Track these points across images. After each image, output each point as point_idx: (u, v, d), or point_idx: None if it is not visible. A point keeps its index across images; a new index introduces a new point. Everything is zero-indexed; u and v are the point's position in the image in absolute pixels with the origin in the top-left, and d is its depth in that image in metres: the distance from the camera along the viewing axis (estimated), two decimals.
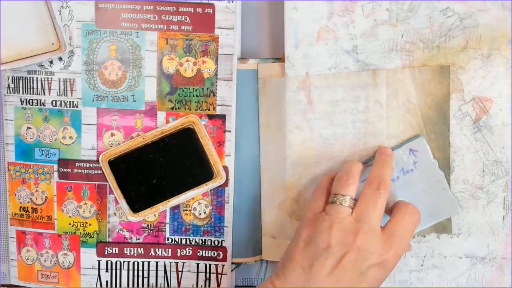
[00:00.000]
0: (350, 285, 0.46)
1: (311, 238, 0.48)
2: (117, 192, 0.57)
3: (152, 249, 0.59)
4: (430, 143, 0.54)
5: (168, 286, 0.59)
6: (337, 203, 0.48)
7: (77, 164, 0.58)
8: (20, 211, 0.59)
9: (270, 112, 0.57)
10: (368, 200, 0.48)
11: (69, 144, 0.58)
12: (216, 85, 0.57)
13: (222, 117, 0.57)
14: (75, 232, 0.59)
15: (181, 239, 0.59)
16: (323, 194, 0.50)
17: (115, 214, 0.59)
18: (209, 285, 0.59)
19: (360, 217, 0.47)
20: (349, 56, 0.55)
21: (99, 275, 0.60)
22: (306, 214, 0.51)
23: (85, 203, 0.59)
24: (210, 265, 0.59)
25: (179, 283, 0.59)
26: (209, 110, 0.57)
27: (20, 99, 0.58)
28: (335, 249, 0.46)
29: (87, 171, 0.58)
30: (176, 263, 0.59)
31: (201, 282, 0.59)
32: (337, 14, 0.54)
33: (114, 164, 0.57)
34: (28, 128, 0.58)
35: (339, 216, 0.47)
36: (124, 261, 0.59)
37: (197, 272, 0.59)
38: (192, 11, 0.56)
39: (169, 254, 0.59)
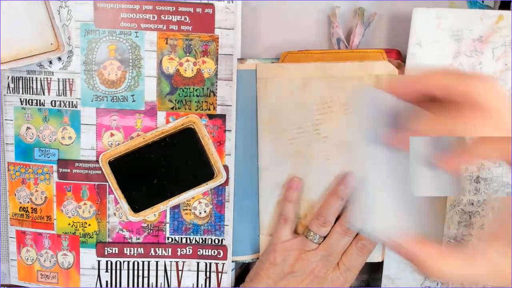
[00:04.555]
0: None
1: (278, 262, 0.56)
2: (117, 193, 0.57)
3: (152, 249, 0.59)
4: None
5: (168, 285, 0.60)
6: (309, 238, 0.55)
7: (76, 164, 0.58)
8: (20, 211, 0.59)
9: (269, 112, 0.57)
10: (335, 240, 0.55)
11: (69, 144, 0.58)
12: (216, 85, 0.57)
13: (223, 117, 0.57)
14: (75, 232, 0.59)
15: (181, 238, 0.59)
16: (288, 224, 0.57)
17: (114, 214, 0.59)
18: (210, 284, 0.59)
19: (323, 252, 0.55)
20: None
21: (99, 275, 0.60)
22: (273, 240, 0.57)
23: (85, 204, 0.59)
24: (210, 263, 0.59)
25: (179, 283, 0.60)
26: (209, 110, 0.57)
27: (20, 99, 0.57)
28: (297, 274, 0.55)
29: (87, 171, 0.58)
30: (177, 262, 0.59)
31: (202, 281, 0.60)
32: (465, 54, 0.54)
33: (114, 164, 0.57)
34: (28, 128, 0.58)
35: (306, 249, 0.55)
36: (124, 261, 0.59)
37: (198, 271, 0.59)
38: (192, 11, 0.56)
39: (169, 254, 0.59)
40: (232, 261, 0.60)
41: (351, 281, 0.56)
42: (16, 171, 0.59)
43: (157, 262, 0.59)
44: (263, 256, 0.58)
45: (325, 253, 0.55)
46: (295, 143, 0.57)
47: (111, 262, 0.59)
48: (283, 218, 0.57)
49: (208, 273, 0.59)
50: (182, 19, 0.56)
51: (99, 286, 0.60)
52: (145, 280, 0.60)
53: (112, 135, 0.58)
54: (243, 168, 0.58)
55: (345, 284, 0.56)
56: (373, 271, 0.61)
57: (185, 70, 0.57)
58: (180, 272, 0.60)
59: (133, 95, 0.57)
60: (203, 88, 0.57)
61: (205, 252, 0.59)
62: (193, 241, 0.59)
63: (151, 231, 0.59)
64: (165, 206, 0.58)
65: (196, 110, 0.57)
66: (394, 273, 0.58)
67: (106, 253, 0.59)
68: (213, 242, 0.59)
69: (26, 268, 0.60)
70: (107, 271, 0.60)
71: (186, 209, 0.59)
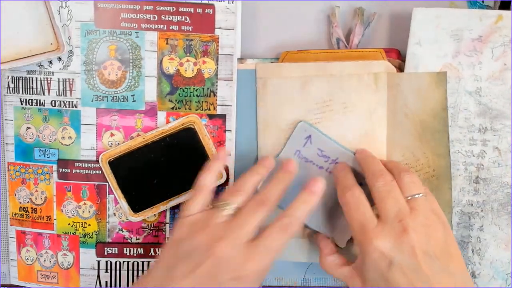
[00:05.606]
0: None
1: (182, 239, 0.46)
2: (117, 192, 0.57)
3: (152, 249, 0.59)
4: (430, 151, 0.55)
5: None
6: (221, 208, 0.47)
7: (76, 164, 0.58)
8: (20, 211, 0.59)
9: (269, 112, 0.57)
10: (247, 212, 0.47)
11: (69, 144, 0.58)
12: (217, 85, 0.57)
13: (223, 117, 0.57)
14: (75, 232, 0.59)
15: None
16: (203, 195, 0.49)
17: (114, 214, 0.59)
18: None
19: (232, 226, 0.46)
20: (471, 97, 0.55)
21: (98, 275, 0.60)
22: (181, 213, 0.49)
23: (85, 204, 0.59)
24: None
25: None
26: (209, 110, 0.57)
27: (20, 99, 0.57)
28: (197, 253, 0.44)
29: (87, 171, 0.58)
30: None
31: None
32: (464, 54, 0.54)
33: (114, 164, 0.57)
34: (28, 128, 0.58)
35: (214, 221, 0.46)
36: (123, 261, 0.59)
37: None
38: (192, 12, 0.56)
39: None
40: None
41: (266, 268, 0.46)
42: (16, 171, 0.59)
43: None
44: (170, 234, 0.49)
45: (236, 227, 0.45)
46: None
47: (111, 262, 0.59)
48: (198, 188, 0.49)
49: None
50: (183, 19, 0.56)
51: (99, 286, 0.60)
52: None
53: (112, 135, 0.58)
54: (243, 168, 0.58)
55: (260, 273, 0.45)
56: None
57: (186, 70, 0.57)
58: None
59: (133, 95, 0.57)
60: (203, 88, 0.57)
61: None
62: None
63: (151, 231, 0.59)
64: (165, 206, 0.58)
65: (196, 110, 0.57)
66: None
67: (105, 253, 0.59)
68: None
69: (26, 268, 0.60)
70: (106, 271, 0.59)
71: None
